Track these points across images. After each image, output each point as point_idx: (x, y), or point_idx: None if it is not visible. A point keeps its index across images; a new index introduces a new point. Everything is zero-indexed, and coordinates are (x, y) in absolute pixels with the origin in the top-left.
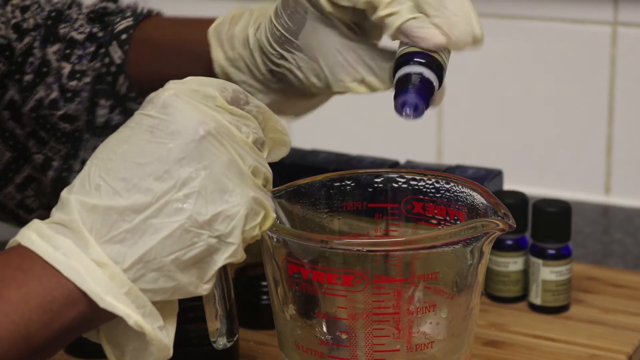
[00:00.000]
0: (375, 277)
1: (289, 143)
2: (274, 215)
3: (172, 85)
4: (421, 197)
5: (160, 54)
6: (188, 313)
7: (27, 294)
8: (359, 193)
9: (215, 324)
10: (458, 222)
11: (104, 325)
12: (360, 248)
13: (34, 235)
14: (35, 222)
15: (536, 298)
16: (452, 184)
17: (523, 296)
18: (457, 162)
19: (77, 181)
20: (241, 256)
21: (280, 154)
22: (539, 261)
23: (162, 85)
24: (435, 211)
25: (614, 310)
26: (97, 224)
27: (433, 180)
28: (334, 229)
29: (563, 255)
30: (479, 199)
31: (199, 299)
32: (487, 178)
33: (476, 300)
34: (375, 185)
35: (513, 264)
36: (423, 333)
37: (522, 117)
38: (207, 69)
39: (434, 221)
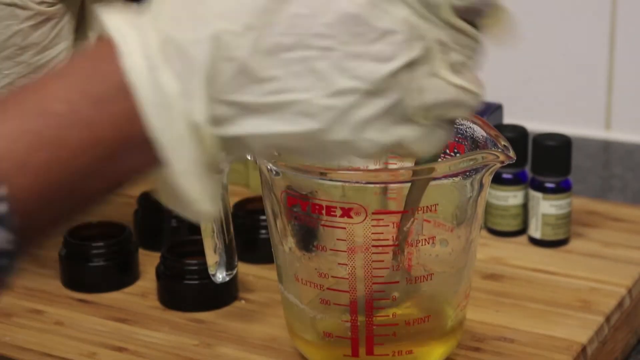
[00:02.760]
0: (374, 210)
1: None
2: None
3: None
4: None
5: None
6: (187, 247)
7: (77, 109)
8: None
9: (214, 258)
10: (458, 154)
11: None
12: (359, 180)
13: (128, 28)
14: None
15: (536, 232)
16: None
17: (523, 230)
18: None
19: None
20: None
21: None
22: (539, 195)
23: None
24: None
25: (613, 244)
26: (226, 76)
27: None
28: (333, 164)
29: (563, 189)
30: (479, 131)
31: (198, 232)
32: (486, 112)
33: (476, 233)
34: None
35: (513, 197)
36: (422, 265)
37: (522, 51)
38: None
39: None
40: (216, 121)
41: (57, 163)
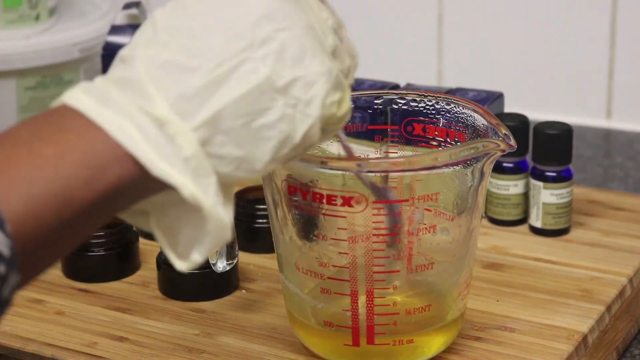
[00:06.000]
0: (375, 199)
1: (357, 65)
2: (350, 104)
3: None
4: (421, 118)
5: None
6: None
7: (65, 149)
8: (358, 115)
9: None
10: (459, 143)
11: (155, 210)
12: (360, 169)
13: (81, 93)
14: (85, 82)
15: (536, 221)
16: (452, 105)
17: (523, 219)
18: (457, 85)
19: (140, 39)
20: (318, 136)
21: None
22: (540, 184)
23: None
24: (436, 133)
25: (614, 232)
26: (166, 80)
27: (433, 101)
28: (334, 154)
29: (564, 177)
30: (479, 120)
31: None
32: (488, 100)
33: (476, 222)
34: (375, 106)
35: (514, 187)
36: (423, 254)
37: (524, 40)
38: None
39: (434, 143)
40: (184, 115)
41: (41, 179)
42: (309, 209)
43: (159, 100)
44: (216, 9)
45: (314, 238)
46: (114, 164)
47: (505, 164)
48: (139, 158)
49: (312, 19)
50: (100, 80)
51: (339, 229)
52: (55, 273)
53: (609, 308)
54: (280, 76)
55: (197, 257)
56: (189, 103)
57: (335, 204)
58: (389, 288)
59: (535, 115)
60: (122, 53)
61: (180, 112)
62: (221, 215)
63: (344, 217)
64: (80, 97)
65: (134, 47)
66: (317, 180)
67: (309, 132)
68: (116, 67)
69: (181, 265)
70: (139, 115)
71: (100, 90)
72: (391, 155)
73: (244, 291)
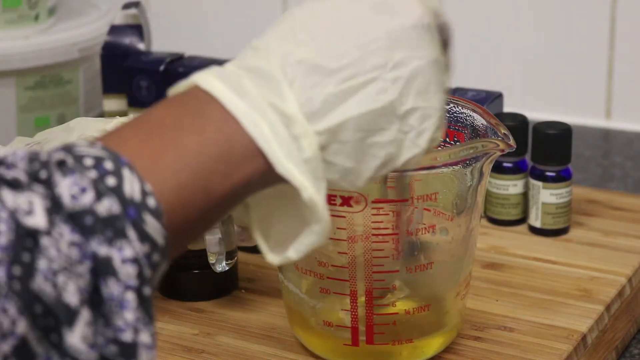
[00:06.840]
0: (374, 198)
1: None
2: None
3: None
4: None
5: None
6: None
7: (206, 141)
8: None
9: (214, 247)
10: (458, 143)
11: (254, 202)
12: None
13: (215, 79)
14: (217, 67)
15: (536, 221)
16: (451, 105)
17: (523, 219)
18: (457, 84)
19: (275, 32)
20: (416, 166)
21: None
22: (539, 184)
23: None
24: None
25: (614, 232)
26: (300, 78)
27: None
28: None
29: (563, 177)
30: (479, 119)
31: None
32: (487, 100)
33: (476, 222)
34: None
35: (513, 186)
36: (422, 254)
37: (524, 40)
38: None
39: None
40: (310, 117)
41: (184, 166)
42: None
43: (291, 99)
44: (356, 20)
45: None
46: (248, 159)
47: (504, 164)
48: (268, 156)
49: (440, 54)
50: (231, 66)
51: (338, 228)
52: None
53: (608, 308)
54: (404, 102)
55: (293, 255)
56: (319, 106)
57: (335, 204)
58: (388, 288)
59: (535, 115)
60: (254, 43)
61: (308, 114)
62: (328, 219)
63: (343, 216)
64: (213, 82)
65: (268, 39)
66: None
67: (410, 161)
68: (248, 56)
69: (273, 258)
70: (270, 110)
71: (233, 78)
72: None
73: (243, 291)
